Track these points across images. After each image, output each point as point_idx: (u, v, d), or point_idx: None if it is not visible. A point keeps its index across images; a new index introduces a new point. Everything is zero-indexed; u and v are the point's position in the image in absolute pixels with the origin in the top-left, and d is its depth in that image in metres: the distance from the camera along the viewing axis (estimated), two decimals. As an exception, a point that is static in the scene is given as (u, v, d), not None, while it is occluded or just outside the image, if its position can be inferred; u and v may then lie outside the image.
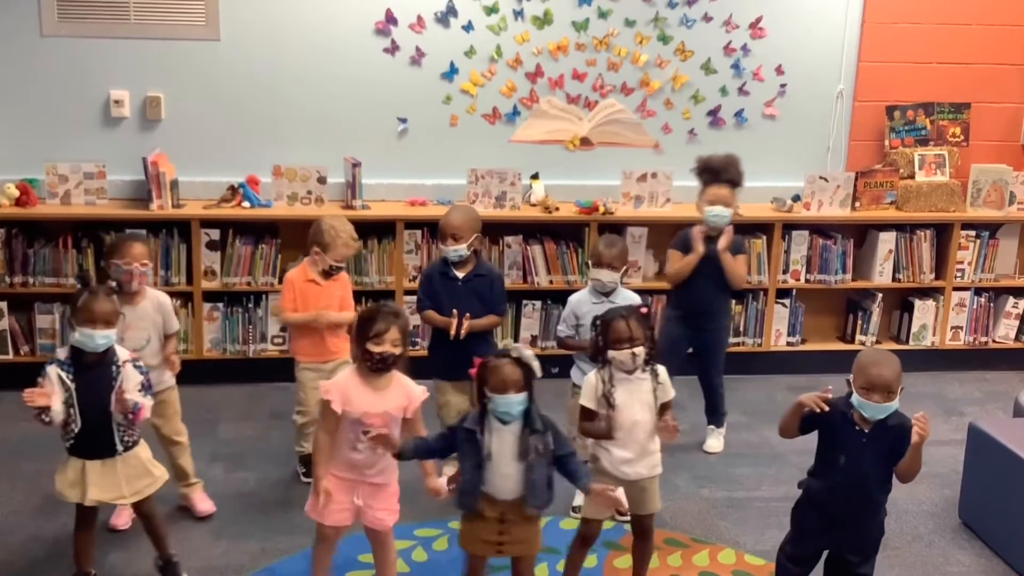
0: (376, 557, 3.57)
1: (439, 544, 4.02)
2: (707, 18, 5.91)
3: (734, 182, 4.81)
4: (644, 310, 3.55)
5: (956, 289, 6.09)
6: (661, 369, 3.53)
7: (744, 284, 5.05)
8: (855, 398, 3.20)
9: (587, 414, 3.50)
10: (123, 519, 4.02)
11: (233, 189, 5.55)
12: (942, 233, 6.06)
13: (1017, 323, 6.22)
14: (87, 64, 5.49)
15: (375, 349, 3.30)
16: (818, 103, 6.12)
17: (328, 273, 4.34)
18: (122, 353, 3.49)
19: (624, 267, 4.24)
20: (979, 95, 6.19)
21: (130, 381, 3.44)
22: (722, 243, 4.71)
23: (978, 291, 6.14)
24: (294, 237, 5.60)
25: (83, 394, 3.38)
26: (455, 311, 4.26)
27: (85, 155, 5.45)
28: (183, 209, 5.46)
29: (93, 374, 3.40)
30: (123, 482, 3.51)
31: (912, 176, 6.03)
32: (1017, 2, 6.14)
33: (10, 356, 5.37)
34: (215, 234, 5.44)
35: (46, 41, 5.44)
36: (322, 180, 5.56)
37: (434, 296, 4.35)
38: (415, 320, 5.53)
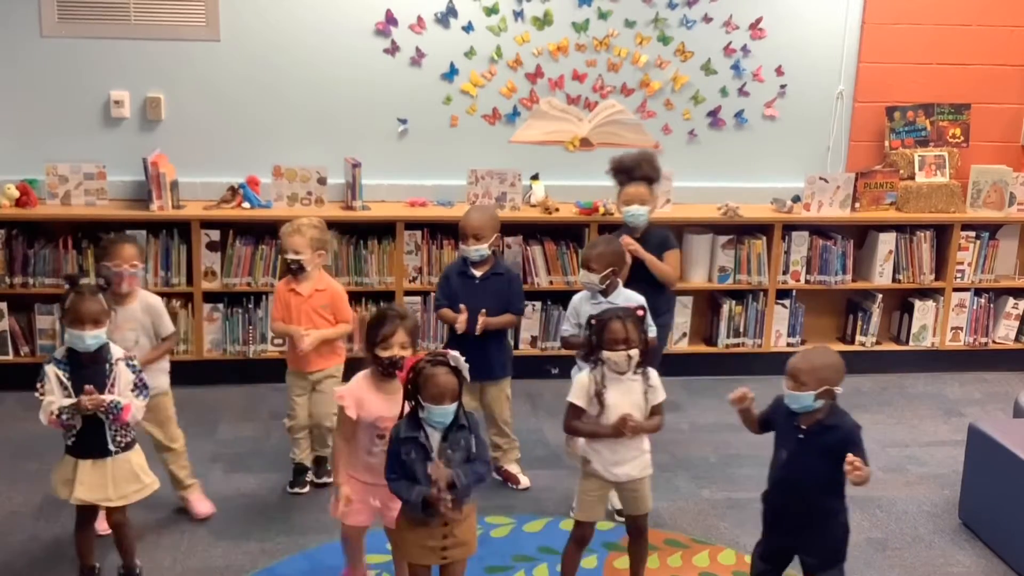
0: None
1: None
2: (707, 19, 5.91)
3: (649, 178, 4.78)
4: (640, 312, 3.55)
5: (956, 290, 6.09)
6: (652, 372, 3.53)
7: (677, 281, 4.88)
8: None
9: (575, 412, 3.50)
10: (104, 524, 3.94)
11: (233, 190, 5.55)
12: (942, 234, 6.06)
13: (1017, 324, 6.22)
14: (87, 64, 5.49)
15: (383, 354, 3.31)
16: (818, 104, 6.12)
17: (292, 270, 4.28)
18: (116, 351, 3.50)
19: (608, 268, 4.17)
20: (979, 96, 6.19)
21: (122, 379, 3.46)
22: (640, 254, 4.61)
23: (978, 292, 6.14)
24: (294, 237, 5.61)
25: (79, 393, 3.38)
26: (462, 306, 4.26)
27: (85, 155, 5.45)
28: (183, 210, 5.46)
29: (88, 372, 3.41)
30: (110, 484, 3.51)
31: (912, 177, 6.03)
32: (1017, 2, 6.14)
33: (10, 356, 5.37)
34: (215, 235, 5.44)
35: (46, 41, 5.44)
36: (322, 181, 5.57)
37: (451, 295, 4.37)
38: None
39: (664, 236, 4.78)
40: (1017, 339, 6.24)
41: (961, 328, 6.15)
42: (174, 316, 5.41)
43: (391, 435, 3.20)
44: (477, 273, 4.37)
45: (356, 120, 5.75)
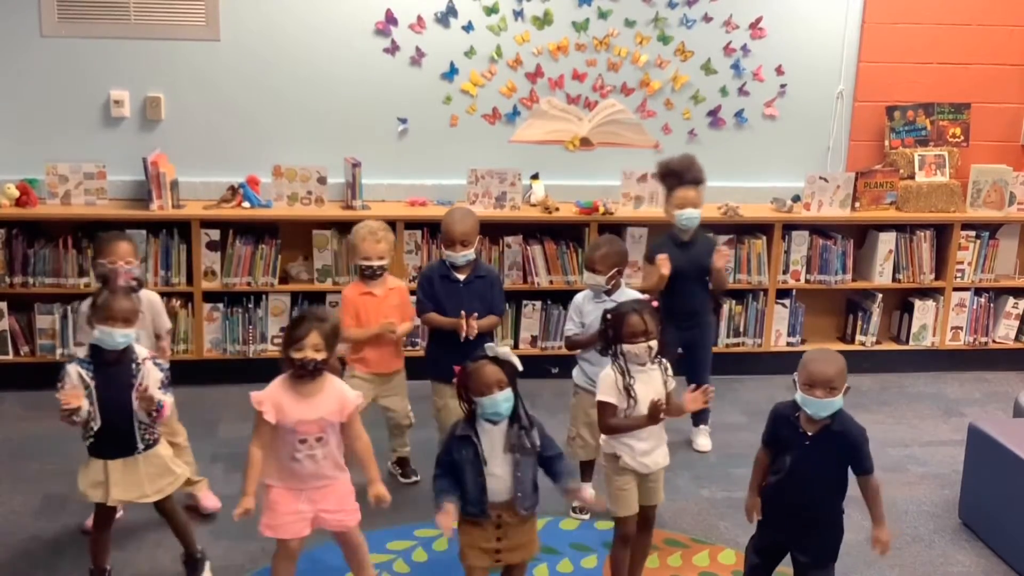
0: (349, 560, 3.55)
1: (439, 544, 4.01)
2: (707, 18, 5.91)
3: (698, 181, 4.83)
4: (655, 304, 3.57)
5: (956, 289, 6.09)
6: (666, 360, 3.58)
7: (727, 288, 5.10)
8: (799, 395, 3.22)
9: (608, 409, 3.48)
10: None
11: (233, 189, 5.55)
12: (942, 233, 6.07)
13: (1017, 323, 6.22)
14: (87, 64, 5.49)
15: (296, 355, 3.26)
16: (818, 103, 6.12)
17: (369, 276, 4.33)
18: (141, 351, 3.52)
19: (612, 270, 4.17)
20: (979, 95, 6.19)
21: (151, 378, 3.47)
22: (719, 262, 4.76)
23: (978, 291, 6.14)
24: (294, 237, 5.61)
25: (103, 392, 3.40)
26: (463, 312, 4.24)
27: (85, 155, 5.45)
28: (183, 209, 5.46)
29: (112, 372, 3.43)
30: (145, 481, 3.54)
31: (912, 176, 6.03)
32: (1017, 2, 6.14)
33: (10, 356, 5.37)
34: (215, 234, 5.44)
35: (46, 41, 5.44)
36: (322, 180, 5.56)
37: (435, 298, 4.35)
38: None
39: (713, 244, 4.86)
40: (1017, 339, 6.24)
41: (961, 328, 6.15)
42: (173, 316, 5.43)
43: (448, 432, 3.22)
44: (461, 277, 4.34)
45: (356, 120, 5.74)
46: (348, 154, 5.64)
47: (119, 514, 3.97)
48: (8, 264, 5.30)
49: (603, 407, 3.49)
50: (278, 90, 5.66)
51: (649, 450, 3.52)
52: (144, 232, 5.37)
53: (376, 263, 4.32)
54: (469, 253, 4.32)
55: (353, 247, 4.39)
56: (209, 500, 4.21)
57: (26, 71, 5.47)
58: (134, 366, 3.46)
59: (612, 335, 3.48)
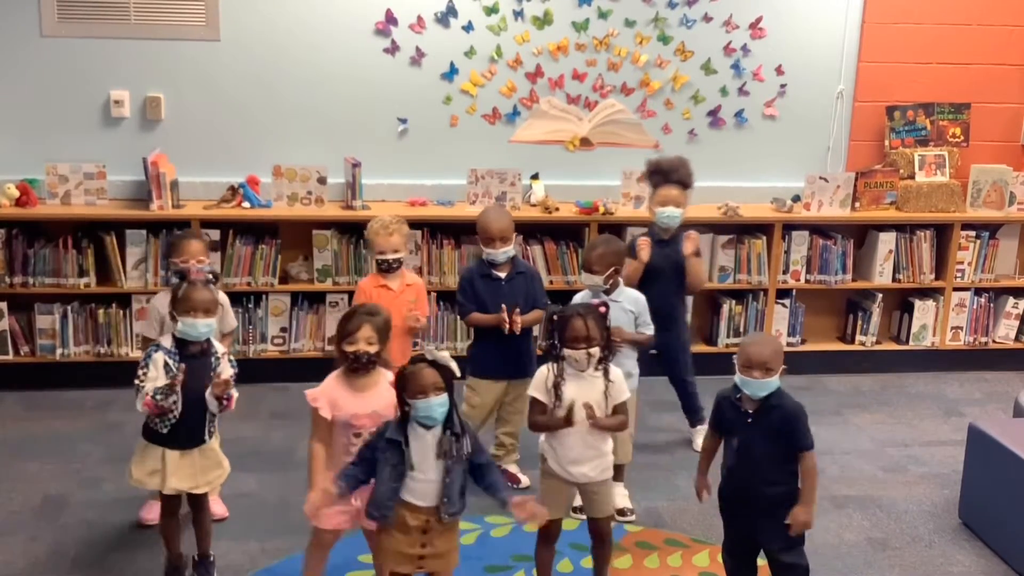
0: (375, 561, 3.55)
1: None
2: (707, 18, 5.91)
3: (684, 183, 4.84)
4: (603, 309, 3.53)
5: (956, 289, 6.09)
6: (614, 369, 3.52)
7: (704, 286, 5.08)
8: (737, 377, 3.28)
9: (536, 406, 3.49)
10: (153, 513, 4.01)
11: (233, 189, 5.54)
12: (942, 233, 6.06)
13: (1017, 323, 6.22)
14: (87, 64, 5.49)
15: (349, 348, 3.30)
16: (818, 103, 6.12)
17: (384, 269, 4.37)
18: (219, 347, 3.61)
19: (610, 268, 4.17)
20: (979, 95, 6.19)
21: (226, 373, 3.55)
22: (688, 248, 4.73)
23: (978, 291, 6.14)
24: (294, 237, 5.61)
25: (192, 380, 3.46)
26: (504, 307, 4.28)
27: (85, 155, 5.45)
28: (183, 209, 5.46)
29: (195, 363, 3.49)
30: (199, 472, 3.61)
31: (912, 176, 6.03)
32: (1017, 2, 6.14)
33: (10, 356, 5.37)
34: (215, 234, 5.43)
35: (46, 41, 5.44)
36: (322, 180, 5.56)
37: (477, 299, 4.38)
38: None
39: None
40: (1017, 338, 6.24)
41: (961, 328, 6.15)
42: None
43: (377, 430, 3.19)
44: (502, 275, 4.38)
45: (356, 120, 5.74)
46: (348, 154, 5.64)
47: (153, 521, 3.99)
48: (8, 264, 5.30)
49: (532, 403, 3.49)
50: (278, 90, 5.66)
51: (577, 459, 3.47)
52: (144, 232, 5.37)
53: (391, 256, 4.37)
54: (509, 249, 4.37)
55: (370, 243, 4.47)
56: (217, 506, 4.19)
57: (26, 71, 5.46)
58: (214, 359, 3.55)
59: (557, 338, 3.46)
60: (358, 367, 3.32)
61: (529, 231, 5.80)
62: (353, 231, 5.57)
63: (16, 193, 5.33)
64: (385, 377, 3.38)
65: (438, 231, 5.65)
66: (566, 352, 3.42)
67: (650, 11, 5.87)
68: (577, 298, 4.30)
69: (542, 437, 3.56)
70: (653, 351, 4.78)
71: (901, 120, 6.11)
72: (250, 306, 5.54)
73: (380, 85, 5.73)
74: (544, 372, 3.48)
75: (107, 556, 3.83)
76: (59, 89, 5.50)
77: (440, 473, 3.13)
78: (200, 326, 3.47)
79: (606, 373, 3.48)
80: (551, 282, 5.73)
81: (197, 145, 5.62)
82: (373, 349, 3.31)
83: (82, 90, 5.52)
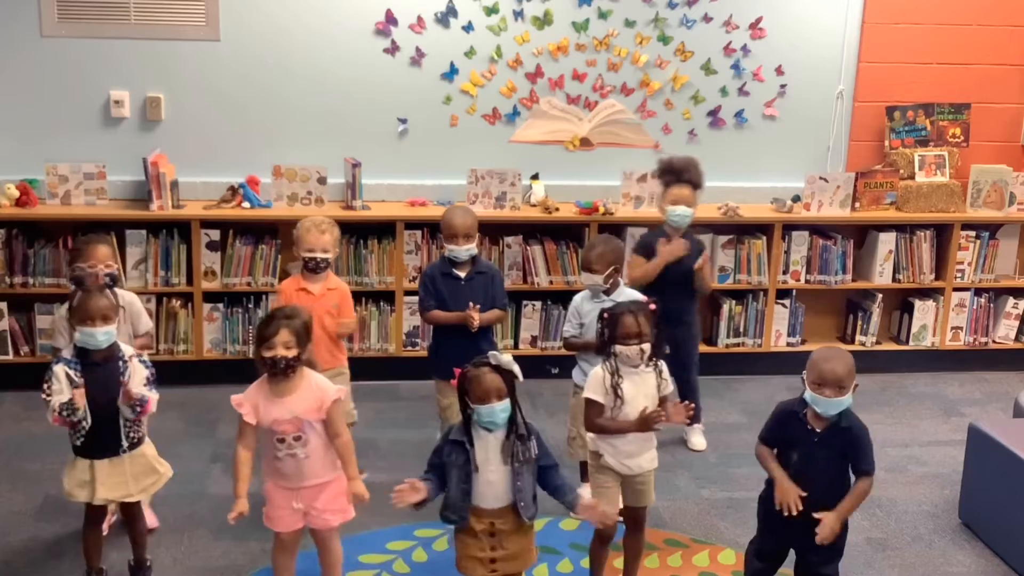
0: (321, 562, 3.55)
1: (439, 544, 4.01)
2: (707, 19, 5.91)
3: (695, 183, 4.84)
4: (653, 306, 3.56)
5: (956, 290, 6.09)
6: (662, 364, 3.56)
7: (709, 292, 5.10)
8: (808, 394, 3.23)
9: (594, 408, 3.48)
10: (105, 524, 3.91)
11: (233, 189, 5.55)
12: (942, 234, 6.07)
13: (1017, 323, 6.22)
14: (87, 64, 5.49)
15: (266, 354, 3.26)
16: (818, 103, 6.12)
17: (311, 268, 4.26)
18: (127, 349, 3.51)
19: (609, 268, 4.17)
20: (979, 95, 6.19)
21: (137, 375, 3.45)
22: (698, 264, 4.74)
23: (978, 291, 6.14)
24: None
25: (92, 391, 3.38)
26: (471, 303, 4.26)
27: (85, 155, 5.45)
28: (183, 210, 5.46)
29: (100, 370, 3.41)
30: (130, 480, 3.54)
31: (912, 177, 6.03)
32: (1017, 2, 6.14)
33: (10, 356, 5.37)
34: (215, 234, 5.44)
35: (46, 41, 5.44)
36: (322, 180, 5.56)
37: (438, 296, 4.36)
38: (414, 321, 5.57)
39: (702, 247, 4.85)
40: (1017, 339, 6.24)
41: (961, 328, 6.15)
42: (174, 316, 5.43)
43: (443, 435, 3.20)
44: (462, 274, 4.36)
45: (356, 120, 5.75)
46: (348, 154, 5.64)
47: (113, 518, 3.97)
48: (8, 264, 5.30)
49: (589, 404, 3.49)
50: (278, 90, 5.66)
51: (634, 452, 3.51)
52: (144, 232, 5.37)
53: (320, 255, 4.25)
54: (471, 247, 4.35)
55: (297, 239, 4.30)
56: (150, 516, 4.05)
57: (26, 71, 5.47)
58: (121, 364, 3.45)
59: (607, 335, 3.48)
60: (276, 372, 3.28)
61: (529, 231, 5.80)
62: (353, 232, 5.57)
63: (16, 193, 5.33)
64: (309, 379, 3.35)
65: (438, 231, 5.63)
66: (618, 349, 3.44)
67: (650, 11, 5.87)
68: (576, 299, 4.31)
69: (588, 435, 3.58)
70: (667, 350, 4.80)
71: (901, 120, 6.11)
72: (250, 306, 5.54)
73: (380, 85, 5.73)
74: (600, 373, 3.49)
75: (107, 556, 3.82)
76: (59, 89, 5.50)
77: (506, 476, 3.14)
78: (98, 335, 3.36)
79: (657, 367, 3.52)
80: (551, 282, 5.73)
81: (197, 145, 5.63)
82: (291, 354, 3.25)
83: (82, 90, 5.52)
